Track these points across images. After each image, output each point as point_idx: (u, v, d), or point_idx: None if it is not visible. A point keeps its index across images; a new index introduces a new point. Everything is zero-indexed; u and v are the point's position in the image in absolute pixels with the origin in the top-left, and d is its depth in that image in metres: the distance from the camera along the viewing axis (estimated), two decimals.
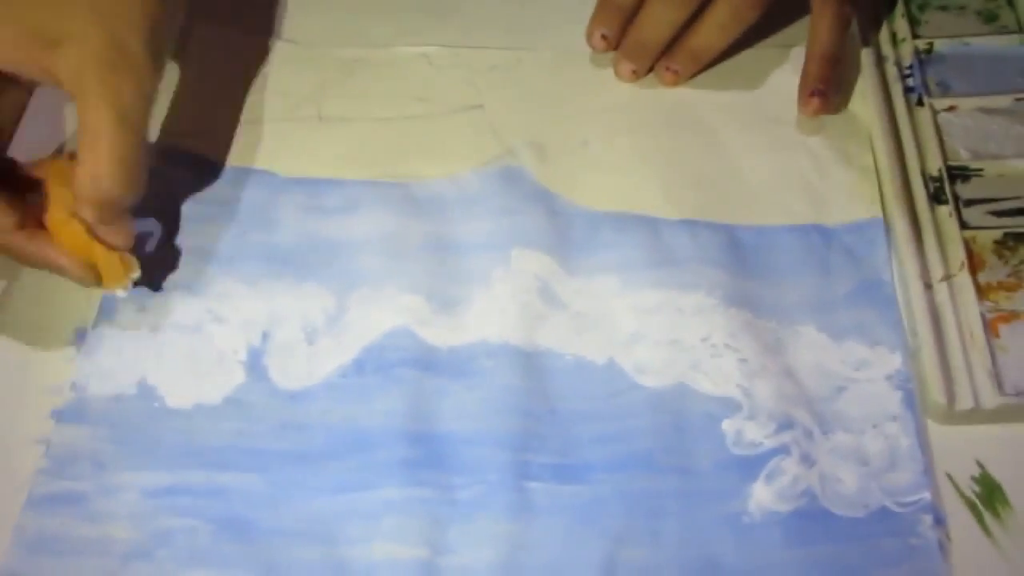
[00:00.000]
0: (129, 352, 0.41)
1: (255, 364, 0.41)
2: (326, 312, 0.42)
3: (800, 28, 0.49)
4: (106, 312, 0.42)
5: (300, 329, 0.42)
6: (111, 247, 0.40)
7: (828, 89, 0.46)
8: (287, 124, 0.48)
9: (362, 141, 0.47)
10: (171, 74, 0.50)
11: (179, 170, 0.46)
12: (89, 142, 0.37)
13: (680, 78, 0.48)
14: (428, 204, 0.45)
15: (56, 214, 0.39)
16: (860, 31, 0.48)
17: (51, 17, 0.37)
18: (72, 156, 0.39)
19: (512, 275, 0.42)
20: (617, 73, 0.48)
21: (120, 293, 0.41)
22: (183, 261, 0.44)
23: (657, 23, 0.47)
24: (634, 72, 0.48)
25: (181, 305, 0.43)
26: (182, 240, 0.44)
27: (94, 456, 0.39)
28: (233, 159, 0.47)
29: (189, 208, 0.45)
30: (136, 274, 0.41)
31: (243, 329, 0.42)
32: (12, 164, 0.40)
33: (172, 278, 0.43)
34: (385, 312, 0.42)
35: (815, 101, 0.46)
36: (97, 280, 0.40)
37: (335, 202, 0.45)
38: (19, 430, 0.40)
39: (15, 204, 0.39)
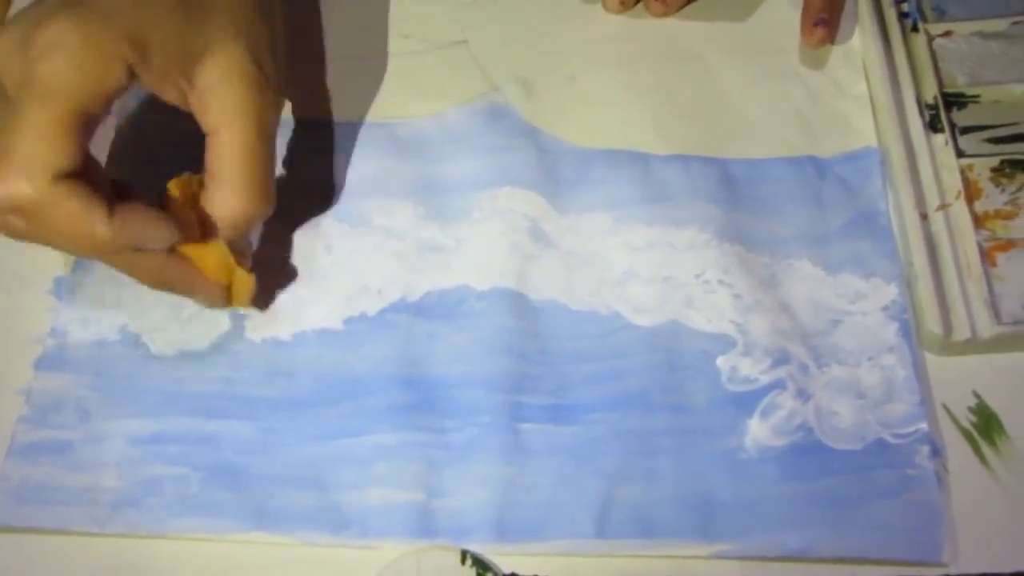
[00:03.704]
0: (110, 299, 0.41)
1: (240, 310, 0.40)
2: (313, 257, 0.41)
3: None
4: (85, 260, 0.41)
5: (286, 273, 0.41)
6: (244, 265, 0.38)
7: (832, 18, 0.45)
8: None
9: (341, 80, 0.46)
10: None
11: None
12: (230, 160, 0.35)
13: (669, 8, 0.47)
14: (412, 145, 0.44)
15: (191, 238, 0.36)
16: None
17: (194, 31, 0.35)
18: (193, 178, 0.36)
19: (500, 215, 0.42)
20: (604, 4, 0.47)
21: (243, 310, 0.40)
22: None
23: None
24: (622, 3, 0.47)
25: None
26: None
27: (78, 404, 0.38)
28: None
29: (164, 152, 0.44)
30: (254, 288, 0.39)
31: None
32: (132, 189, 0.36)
33: None
34: (372, 256, 0.41)
35: (819, 31, 0.45)
36: (228, 300, 0.38)
37: (316, 144, 0.44)
38: (0, 380, 0.39)
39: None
